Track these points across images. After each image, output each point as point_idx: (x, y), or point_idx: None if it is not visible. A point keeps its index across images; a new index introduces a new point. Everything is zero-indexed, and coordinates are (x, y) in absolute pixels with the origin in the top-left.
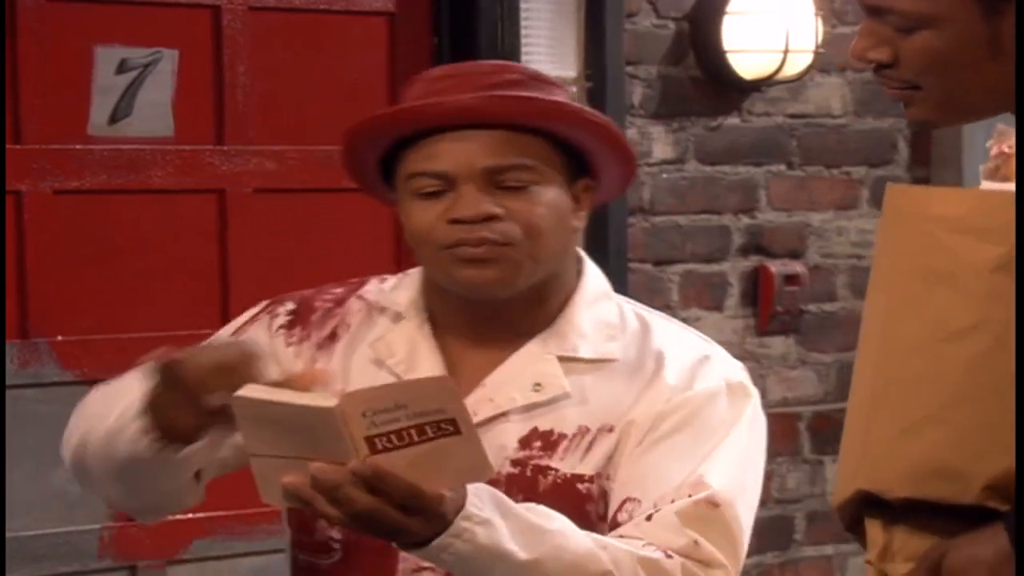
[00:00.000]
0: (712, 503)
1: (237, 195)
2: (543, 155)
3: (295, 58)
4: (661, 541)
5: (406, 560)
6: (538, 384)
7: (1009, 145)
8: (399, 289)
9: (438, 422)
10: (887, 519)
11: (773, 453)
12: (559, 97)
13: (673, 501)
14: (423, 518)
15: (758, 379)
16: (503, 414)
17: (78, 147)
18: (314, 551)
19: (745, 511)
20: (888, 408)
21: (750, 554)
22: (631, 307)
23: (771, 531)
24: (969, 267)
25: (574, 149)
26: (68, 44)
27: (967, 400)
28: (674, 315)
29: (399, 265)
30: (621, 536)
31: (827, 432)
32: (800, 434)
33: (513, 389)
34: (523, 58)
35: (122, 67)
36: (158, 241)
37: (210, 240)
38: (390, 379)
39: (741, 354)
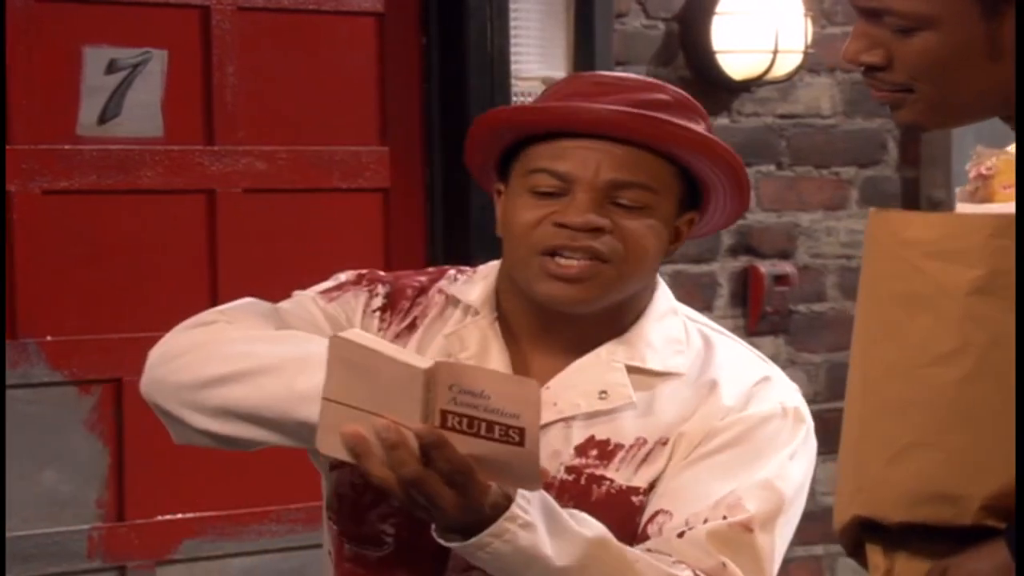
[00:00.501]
0: (746, 527)
1: (227, 195)
2: (666, 181)
3: (284, 58)
4: (690, 560)
5: (456, 558)
6: (604, 392)
7: (987, 167)
8: (474, 284)
9: (508, 427)
10: (887, 544)
11: None
12: (701, 127)
13: (707, 520)
14: (463, 500)
15: None
16: (565, 419)
17: (67, 147)
18: (363, 542)
19: (779, 539)
20: (877, 434)
21: None
22: (695, 325)
23: None
24: (944, 291)
25: (693, 181)
26: (56, 44)
27: (955, 423)
28: None
29: (387, 266)
30: (650, 550)
31: (817, 432)
32: None
33: (578, 395)
34: (512, 59)
35: (111, 67)
36: (148, 241)
37: (200, 240)
38: None
39: None
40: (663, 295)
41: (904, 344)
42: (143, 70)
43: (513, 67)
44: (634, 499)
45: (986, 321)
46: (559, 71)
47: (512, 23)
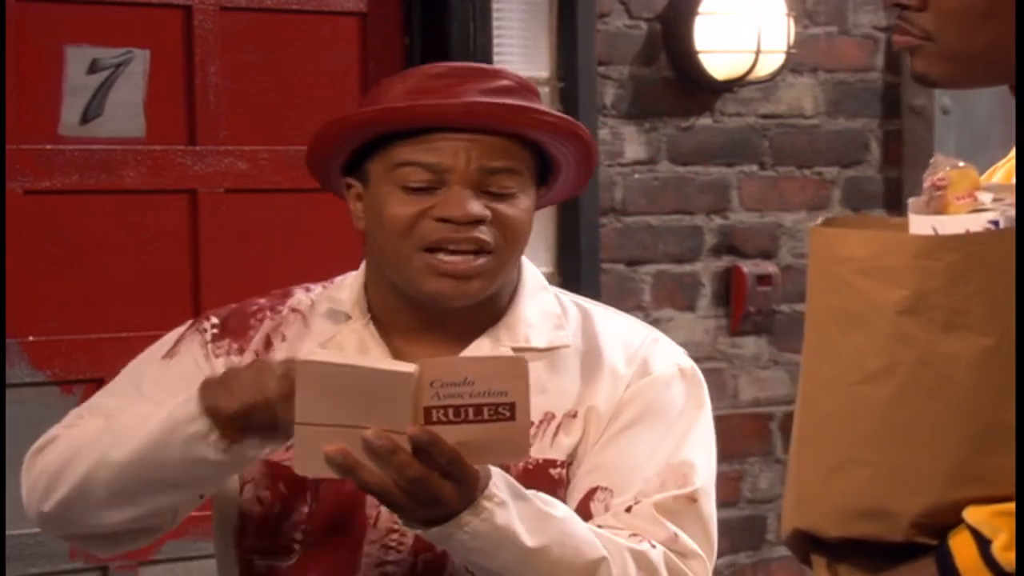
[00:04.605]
0: (691, 499)
1: (209, 195)
2: (528, 163)
3: (266, 58)
4: (643, 533)
5: (369, 556)
6: None
7: (940, 178)
8: (340, 290)
9: (497, 405)
10: (830, 557)
11: (745, 453)
12: (542, 105)
13: (653, 494)
14: (461, 488)
15: (730, 379)
16: None
17: (49, 147)
18: (275, 554)
19: (714, 498)
20: (813, 449)
21: (722, 554)
22: (567, 297)
23: (743, 531)
24: (874, 309)
25: (545, 158)
26: (39, 44)
27: (886, 441)
28: (646, 316)
29: None
30: (600, 527)
31: None
32: (772, 434)
33: None
34: (495, 58)
35: (93, 67)
36: (129, 241)
37: (182, 240)
38: None
39: (713, 354)
40: (531, 272)
41: (837, 360)
42: (125, 70)
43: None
44: (552, 471)
45: (913, 341)
46: (542, 71)
47: (495, 23)
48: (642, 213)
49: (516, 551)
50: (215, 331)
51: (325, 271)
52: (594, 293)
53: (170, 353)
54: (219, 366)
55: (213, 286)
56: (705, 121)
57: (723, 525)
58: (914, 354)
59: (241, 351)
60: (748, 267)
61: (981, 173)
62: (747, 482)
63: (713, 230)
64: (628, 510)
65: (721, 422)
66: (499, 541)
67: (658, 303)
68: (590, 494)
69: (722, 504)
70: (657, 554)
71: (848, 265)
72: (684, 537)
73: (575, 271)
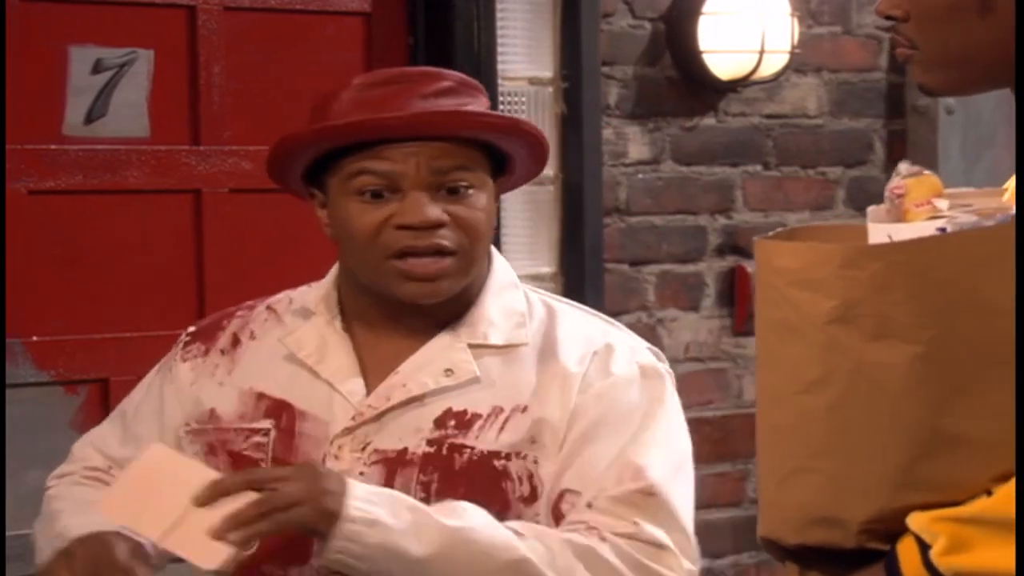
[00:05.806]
0: (648, 492)
1: (213, 195)
2: (478, 159)
3: (270, 58)
4: (602, 526)
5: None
6: (449, 370)
7: (896, 186)
8: (310, 290)
9: None
10: (801, 564)
11: (749, 453)
12: (484, 101)
13: (610, 488)
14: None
15: (734, 379)
16: (416, 398)
17: (53, 147)
18: None
19: (683, 488)
20: (767, 458)
21: (726, 553)
22: (538, 295)
23: (747, 531)
24: (807, 320)
25: (496, 152)
26: (42, 44)
27: (829, 449)
28: (650, 315)
29: None
30: (566, 525)
31: None
32: None
33: (425, 375)
34: (499, 58)
35: (97, 67)
36: (134, 242)
37: (186, 240)
38: (303, 372)
39: (717, 354)
40: (501, 268)
41: (779, 371)
42: (129, 70)
43: (500, 67)
44: (496, 463)
45: (845, 350)
46: (546, 71)
47: (499, 23)
48: (646, 213)
49: (404, 563)
50: (187, 338)
51: (327, 271)
52: (598, 293)
53: (160, 371)
54: (183, 372)
55: (217, 286)
56: (709, 121)
57: (726, 525)
58: (847, 363)
59: (206, 352)
60: (752, 267)
61: (985, 172)
62: (751, 482)
63: (717, 230)
64: (589, 505)
65: (725, 422)
66: (382, 558)
67: (662, 303)
68: (560, 497)
69: (725, 504)
70: (608, 547)
71: (784, 277)
72: (649, 529)
73: (579, 271)
